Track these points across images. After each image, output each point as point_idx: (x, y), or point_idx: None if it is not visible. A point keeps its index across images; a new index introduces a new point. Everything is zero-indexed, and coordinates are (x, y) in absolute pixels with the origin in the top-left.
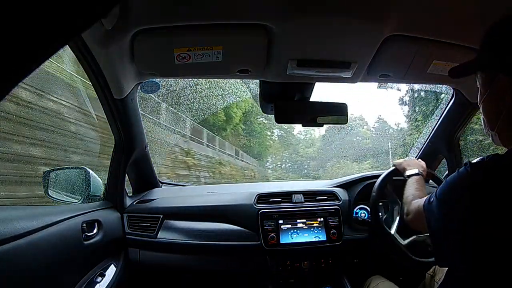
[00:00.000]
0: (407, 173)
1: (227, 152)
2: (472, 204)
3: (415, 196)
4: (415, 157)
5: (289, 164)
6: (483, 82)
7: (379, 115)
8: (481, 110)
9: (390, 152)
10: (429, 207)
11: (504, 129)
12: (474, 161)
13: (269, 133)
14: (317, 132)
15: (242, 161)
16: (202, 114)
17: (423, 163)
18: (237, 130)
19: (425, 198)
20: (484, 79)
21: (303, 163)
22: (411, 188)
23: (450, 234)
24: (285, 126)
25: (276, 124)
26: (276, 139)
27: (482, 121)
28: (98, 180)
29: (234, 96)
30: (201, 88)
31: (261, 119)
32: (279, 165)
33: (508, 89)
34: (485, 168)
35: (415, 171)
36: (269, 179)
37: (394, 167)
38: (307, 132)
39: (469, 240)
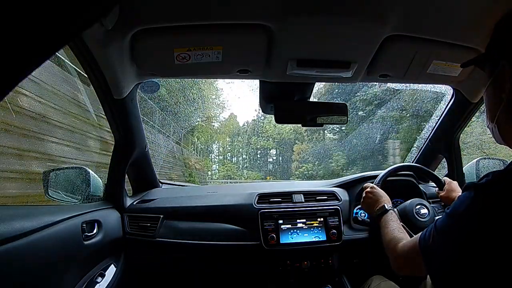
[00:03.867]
0: (376, 211)
1: None
2: (485, 234)
3: (397, 239)
4: (414, 158)
5: (244, 156)
6: (488, 72)
7: None
8: (484, 100)
9: None
10: (429, 245)
11: (503, 120)
12: (478, 183)
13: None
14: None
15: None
16: None
17: (384, 194)
18: None
19: (415, 238)
20: (489, 69)
21: (268, 154)
22: (388, 231)
23: (461, 269)
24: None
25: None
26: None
27: (485, 113)
28: (98, 180)
29: None
30: None
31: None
32: (228, 158)
33: (509, 77)
34: (492, 189)
35: (384, 206)
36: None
37: (389, 169)
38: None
39: (485, 273)
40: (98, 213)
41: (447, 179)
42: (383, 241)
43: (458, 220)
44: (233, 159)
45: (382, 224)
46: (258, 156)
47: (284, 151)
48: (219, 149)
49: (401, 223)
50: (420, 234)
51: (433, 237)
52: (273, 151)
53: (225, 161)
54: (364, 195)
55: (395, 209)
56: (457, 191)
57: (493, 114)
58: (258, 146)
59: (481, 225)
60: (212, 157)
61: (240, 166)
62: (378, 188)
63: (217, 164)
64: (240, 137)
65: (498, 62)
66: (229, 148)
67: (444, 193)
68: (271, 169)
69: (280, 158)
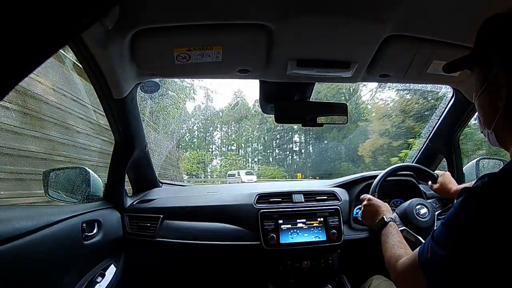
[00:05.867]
0: (376, 224)
1: None
2: (481, 237)
3: (396, 256)
4: (414, 158)
5: (254, 145)
6: (480, 77)
7: None
8: (476, 106)
9: None
10: (428, 259)
11: (501, 127)
12: (473, 187)
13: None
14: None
15: None
16: None
17: (383, 203)
18: None
19: (414, 253)
20: (481, 74)
21: (293, 141)
22: (388, 247)
23: (459, 279)
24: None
25: None
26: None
27: (477, 119)
28: (98, 180)
29: None
30: None
31: None
32: (233, 150)
33: (505, 84)
34: (488, 191)
35: (384, 219)
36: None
37: (382, 175)
38: None
39: (483, 279)
40: (98, 213)
41: (439, 172)
42: (384, 256)
43: (453, 228)
44: (240, 151)
45: (383, 239)
46: (280, 145)
47: (335, 136)
48: (221, 136)
49: (405, 227)
50: (419, 248)
51: (431, 250)
52: (301, 137)
53: (228, 153)
54: (362, 208)
55: (395, 214)
56: (452, 182)
57: (489, 122)
58: (278, 135)
59: (476, 228)
60: (213, 148)
61: (246, 160)
62: (375, 199)
63: (219, 158)
64: (249, 121)
65: (490, 67)
66: (233, 136)
67: (438, 185)
68: (297, 168)
69: (323, 150)
